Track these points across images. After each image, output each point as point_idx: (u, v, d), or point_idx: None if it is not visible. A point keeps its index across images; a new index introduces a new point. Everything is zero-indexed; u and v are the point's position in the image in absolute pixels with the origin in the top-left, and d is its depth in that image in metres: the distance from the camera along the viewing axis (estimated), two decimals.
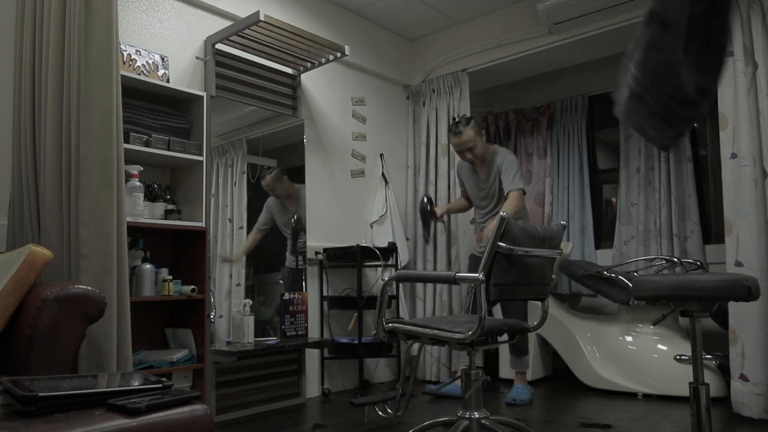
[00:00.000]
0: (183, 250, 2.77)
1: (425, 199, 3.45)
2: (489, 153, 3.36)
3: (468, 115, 3.69)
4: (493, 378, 3.87)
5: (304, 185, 3.54)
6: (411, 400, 3.30)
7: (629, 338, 3.46)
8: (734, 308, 2.87)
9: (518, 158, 3.65)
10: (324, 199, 3.73)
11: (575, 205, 4.35)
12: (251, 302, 3.03)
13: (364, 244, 3.59)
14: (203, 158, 2.75)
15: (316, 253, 3.58)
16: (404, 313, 3.95)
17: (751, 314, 2.79)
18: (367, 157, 4.07)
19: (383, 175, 4.11)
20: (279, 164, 3.41)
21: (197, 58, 3.09)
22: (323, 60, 3.42)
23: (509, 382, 3.77)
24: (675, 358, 3.25)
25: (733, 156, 2.92)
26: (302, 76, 3.62)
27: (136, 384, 1.45)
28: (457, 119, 3.44)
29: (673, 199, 3.87)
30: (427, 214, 3.46)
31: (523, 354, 3.39)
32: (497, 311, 3.65)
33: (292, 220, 3.41)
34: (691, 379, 1.83)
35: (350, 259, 3.51)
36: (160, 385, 1.44)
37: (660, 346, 3.34)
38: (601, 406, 3.10)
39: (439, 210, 3.53)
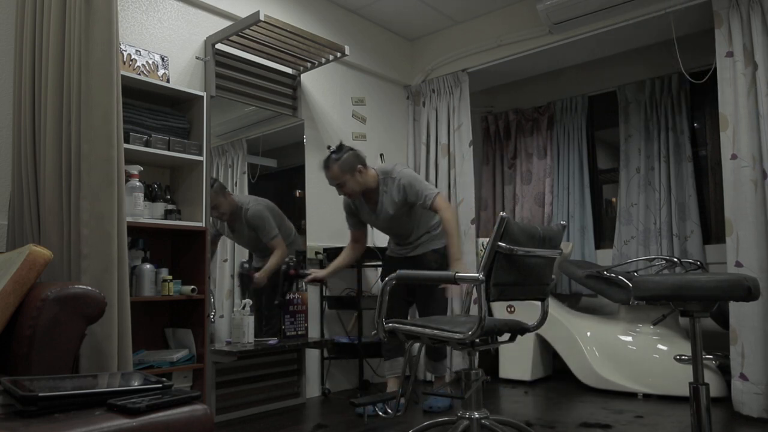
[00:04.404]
0: (183, 250, 2.77)
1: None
2: (372, 182, 3.01)
3: (347, 146, 3.03)
4: (493, 378, 3.87)
5: (305, 190, 3.54)
6: (411, 400, 3.30)
7: (629, 338, 3.46)
8: (734, 308, 2.88)
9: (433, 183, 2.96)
10: (324, 199, 3.72)
11: (575, 205, 4.35)
12: (251, 302, 3.03)
13: None
14: (203, 158, 2.75)
15: (316, 253, 3.58)
16: None
17: (751, 314, 2.80)
18: (367, 157, 4.06)
19: None
20: (279, 164, 3.41)
21: (197, 58, 3.09)
22: (323, 60, 3.42)
23: (509, 382, 3.78)
24: (675, 358, 3.25)
25: (734, 157, 2.92)
26: (302, 76, 3.62)
27: (136, 384, 1.45)
28: (332, 149, 3.02)
29: (673, 199, 3.87)
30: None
31: (442, 357, 3.18)
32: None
33: (255, 239, 3.10)
34: (691, 379, 1.83)
35: None
36: (160, 385, 1.44)
37: (660, 346, 3.34)
38: (601, 406, 3.10)
39: (321, 272, 3.15)
